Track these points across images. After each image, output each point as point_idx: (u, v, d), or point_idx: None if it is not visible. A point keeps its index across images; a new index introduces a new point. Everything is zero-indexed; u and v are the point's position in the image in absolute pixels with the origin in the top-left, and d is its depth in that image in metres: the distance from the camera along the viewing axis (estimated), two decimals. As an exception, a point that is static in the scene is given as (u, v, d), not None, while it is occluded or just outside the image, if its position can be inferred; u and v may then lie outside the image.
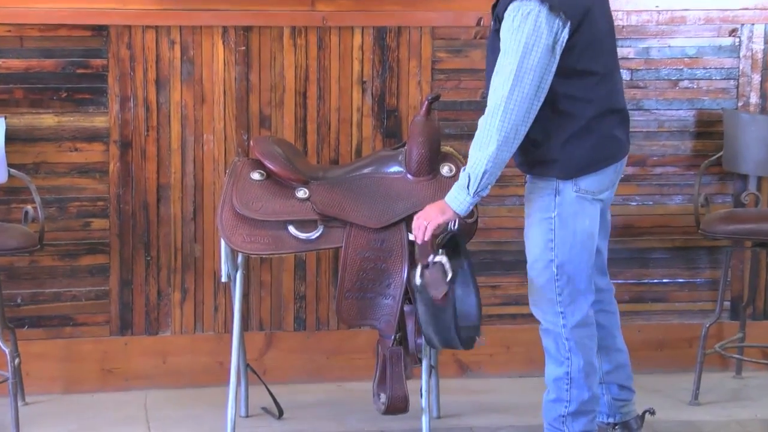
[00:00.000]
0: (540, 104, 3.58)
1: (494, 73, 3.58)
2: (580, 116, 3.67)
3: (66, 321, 4.70)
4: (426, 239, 3.65)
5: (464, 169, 3.62)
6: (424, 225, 3.66)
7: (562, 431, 3.83)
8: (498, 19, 3.61)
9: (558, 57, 3.57)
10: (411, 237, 3.74)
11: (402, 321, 3.88)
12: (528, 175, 3.81)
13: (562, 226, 3.71)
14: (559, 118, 3.66)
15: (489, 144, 3.54)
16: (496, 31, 3.62)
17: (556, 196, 3.70)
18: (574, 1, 3.61)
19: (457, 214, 3.65)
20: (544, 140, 3.67)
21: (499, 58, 3.57)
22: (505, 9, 3.56)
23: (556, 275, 3.73)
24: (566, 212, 3.71)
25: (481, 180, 3.57)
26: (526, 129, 3.58)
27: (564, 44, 3.57)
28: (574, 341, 3.77)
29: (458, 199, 3.63)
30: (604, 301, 3.99)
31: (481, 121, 3.59)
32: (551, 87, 3.58)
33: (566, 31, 3.56)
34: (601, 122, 3.72)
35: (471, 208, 3.65)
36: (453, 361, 4.80)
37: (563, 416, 3.82)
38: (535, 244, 3.76)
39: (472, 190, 3.59)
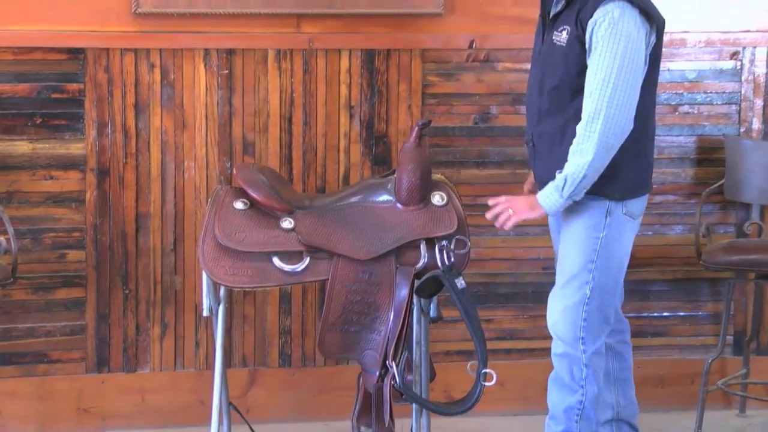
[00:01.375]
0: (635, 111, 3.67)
1: (589, 78, 3.63)
2: (641, 135, 3.73)
3: (40, 358, 4.65)
4: (507, 227, 3.78)
5: (560, 172, 3.67)
6: (509, 213, 3.76)
7: None
8: (580, 26, 3.64)
9: (647, 63, 3.68)
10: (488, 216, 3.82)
11: (386, 355, 3.79)
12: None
13: (606, 247, 3.77)
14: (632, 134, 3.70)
15: (589, 150, 3.60)
16: (578, 39, 3.66)
17: (607, 217, 3.76)
18: (656, 8, 3.73)
19: (545, 212, 3.73)
20: None
21: (592, 63, 3.62)
22: (591, 14, 3.61)
23: (588, 298, 3.76)
24: (613, 235, 3.78)
25: (578, 185, 3.63)
26: (625, 136, 3.65)
27: (650, 50, 3.68)
28: (591, 369, 3.79)
29: (551, 199, 3.69)
30: (624, 331, 4.07)
31: (581, 127, 3.63)
32: None
33: (653, 36, 3.69)
34: (652, 143, 3.86)
35: (561, 209, 3.72)
36: (445, 398, 4.73)
37: None
38: (574, 262, 3.78)
39: (566, 193, 3.65)
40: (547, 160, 3.80)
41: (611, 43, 3.58)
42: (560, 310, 3.80)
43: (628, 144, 3.67)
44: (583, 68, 3.68)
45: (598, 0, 3.61)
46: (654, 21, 3.67)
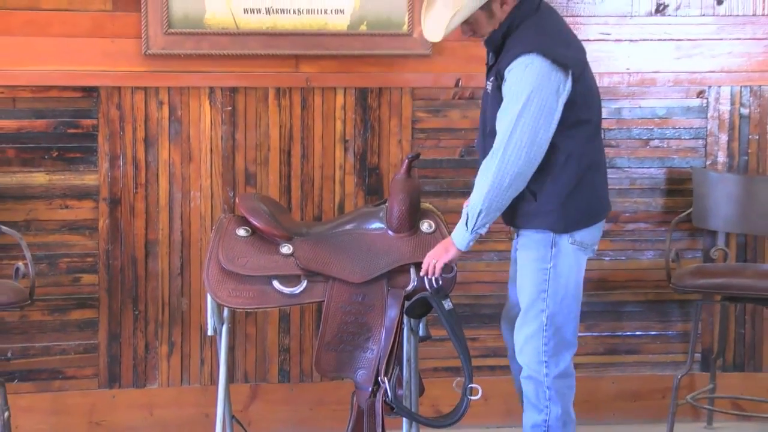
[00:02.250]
0: (541, 155, 3.62)
1: (497, 120, 3.63)
2: (577, 169, 3.70)
3: (55, 374, 4.65)
4: (436, 275, 3.73)
5: (467, 206, 3.68)
6: (433, 263, 3.73)
7: None
8: (500, 77, 3.65)
9: (560, 109, 3.61)
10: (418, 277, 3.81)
11: (378, 372, 3.82)
12: (521, 230, 3.81)
13: (556, 277, 3.72)
14: (556, 171, 3.68)
15: (485, 184, 3.60)
16: (498, 88, 3.66)
17: (552, 248, 3.72)
18: (574, 54, 3.70)
19: (459, 251, 3.71)
20: (540, 193, 3.69)
21: (502, 106, 3.62)
22: (508, 65, 3.61)
23: (545, 325, 3.73)
24: (561, 264, 3.73)
25: (477, 219, 3.64)
26: (525, 178, 3.63)
27: (567, 96, 3.62)
28: (554, 390, 3.76)
29: (459, 236, 3.69)
30: None
31: (483, 163, 3.65)
32: (551, 140, 3.62)
33: (569, 83, 3.62)
34: (595, 176, 3.79)
35: (471, 244, 3.71)
36: (433, 412, 4.73)
37: None
38: (528, 293, 3.76)
39: (470, 227, 3.65)
40: None
41: (516, 91, 3.56)
42: (523, 338, 3.78)
43: (565, 180, 3.66)
44: None
45: (514, 53, 3.60)
46: (569, 68, 3.61)
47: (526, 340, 3.77)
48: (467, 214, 3.66)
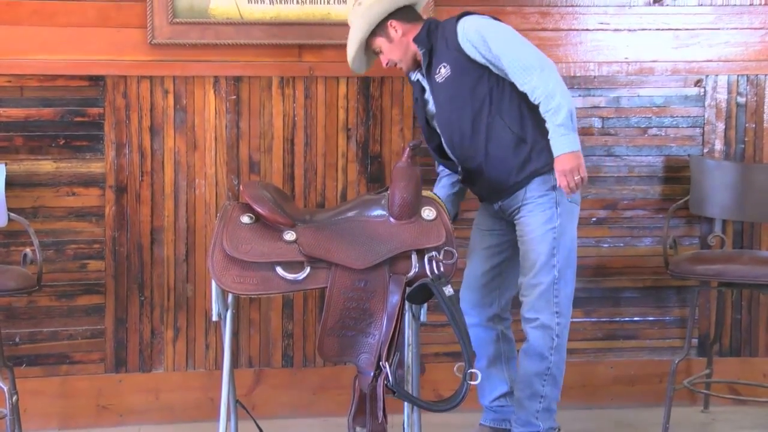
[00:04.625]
0: None
1: (503, 57, 3.87)
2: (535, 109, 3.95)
3: (62, 359, 4.63)
4: (585, 181, 3.92)
5: (553, 126, 3.85)
6: (577, 177, 3.88)
7: (538, 426, 4.01)
8: (456, 50, 3.92)
9: None
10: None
11: (380, 357, 3.78)
12: (524, 199, 3.98)
13: (562, 234, 3.98)
14: (528, 112, 3.95)
15: (557, 89, 3.84)
16: (459, 62, 3.92)
17: (557, 208, 3.96)
18: None
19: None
20: (526, 136, 3.92)
21: (496, 47, 3.87)
22: (455, 38, 3.92)
23: (557, 278, 3.97)
24: (564, 221, 3.98)
25: (573, 118, 3.86)
26: None
27: None
28: (563, 339, 4.02)
29: (571, 141, 3.87)
30: (508, 319, 4.32)
31: (532, 81, 3.85)
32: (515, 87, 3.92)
33: None
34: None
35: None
36: (434, 396, 4.71)
37: (537, 411, 4.02)
38: (540, 252, 3.97)
39: (574, 126, 3.87)
40: (486, 176, 4.00)
41: (489, 32, 3.90)
42: (536, 295, 3.97)
43: (537, 117, 3.91)
44: (476, 77, 3.92)
45: (450, 28, 3.96)
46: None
47: (540, 295, 3.98)
48: (560, 125, 3.82)
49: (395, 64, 4.13)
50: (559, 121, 3.85)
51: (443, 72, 3.99)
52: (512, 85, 3.94)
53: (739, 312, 4.98)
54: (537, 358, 4.01)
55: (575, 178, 3.88)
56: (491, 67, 3.95)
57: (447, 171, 4.29)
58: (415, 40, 4.04)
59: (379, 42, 4.10)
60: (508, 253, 4.18)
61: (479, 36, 3.91)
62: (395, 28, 4.07)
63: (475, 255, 4.23)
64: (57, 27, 4.48)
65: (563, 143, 3.86)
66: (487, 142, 3.97)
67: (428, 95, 4.12)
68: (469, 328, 4.13)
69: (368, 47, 4.16)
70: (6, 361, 4.35)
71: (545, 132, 3.91)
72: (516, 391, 4.11)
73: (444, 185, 4.31)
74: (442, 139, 4.12)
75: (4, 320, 4.49)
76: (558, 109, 3.85)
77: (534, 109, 3.92)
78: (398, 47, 4.08)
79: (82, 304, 4.62)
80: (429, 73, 4.04)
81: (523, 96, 3.92)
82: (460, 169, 4.12)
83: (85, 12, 4.50)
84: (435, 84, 4.03)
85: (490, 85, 3.96)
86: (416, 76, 4.14)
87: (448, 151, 4.13)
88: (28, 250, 4.34)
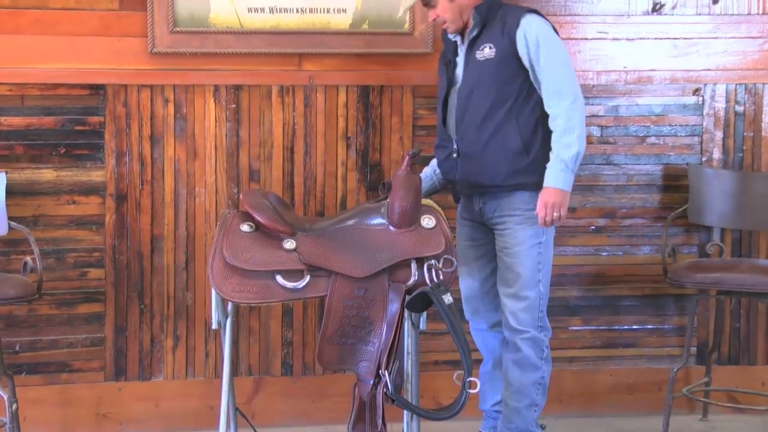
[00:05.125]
0: None
1: (542, 70, 3.89)
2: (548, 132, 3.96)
3: (62, 367, 4.62)
4: (562, 221, 3.94)
5: (556, 157, 3.88)
6: (557, 214, 3.90)
7: None
8: (508, 39, 3.91)
9: None
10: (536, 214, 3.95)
11: (379, 365, 3.77)
12: (510, 210, 3.98)
13: (546, 249, 4.02)
14: (543, 129, 3.94)
15: (575, 126, 3.87)
16: (505, 52, 3.91)
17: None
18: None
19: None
20: (532, 149, 3.94)
21: (541, 58, 3.88)
22: (515, 27, 3.90)
23: (542, 293, 4.01)
24: (549, 237, 4.03)
25: (577, 160, 3.89)
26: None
27: None
28: (548, 351, 4.06)
29: (565, 181, 3.90)
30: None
31: (555, 108, 3.88)
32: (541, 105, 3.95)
33: None
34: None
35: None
36: (433, 404, 4.71)
37: (533, 420, 4.05)
38: (526, 266, 3.99)
39: (572, 168, 3.90)
40: (479, 163, 3.97)
41: (547, 42, 3.90)
42: (523, 308, 3.99)
43: (547, 139, 3.92)
44: (513, 73, 3.91)
45: (515, 16, 3.94)
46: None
47: (527, 309, 4.00)
48: (564, 161, 3.85)
49: (443, 22, 4.04)
50: (565, 157, 3.87)
51: (487, 52, 3.96)
52: (539, 99, 3.95)
53: (738, 320, 4.96)
54: (531, 368, 4.03)
55: (554, 213, 3.90)
56: (530, 72, 3.95)
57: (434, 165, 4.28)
58: (477, 8, 3.99)
59: None
60: (497, 260, 4.16)
61: (536, 40, 3.90)
62: None
63: (469, 268, 4.21)
64: (58, 36, 4.48)
65: (558, 178, 3.88)
66: (492, 135, 3.95)
67: (460, 59, 4.08)
68: (476, 333, 4.17)
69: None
70: (6, 369, 4.33)
71: (547, 155, 3.92)
72: (510, 401, 4.08)
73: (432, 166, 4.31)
74: (454, 110, 4.07)
75: (4, 328, 4.48)
76: (569, 146, 3.87)
77: (548, 130, 3.94)
78: (456, 8, 4.00)
79: (82, 312, 4.61)
80: (472, 46, 4.01)
81: (544, 115, 3.94)
82: (454, 144, 4.07)
83: (86, 21, 4.49)
84: (473, 58, 4.00)
85: (521, 87, 3.96)
86: (456, 37, 4.09)
87: (452, 124, 4.08)
88: (28, 258, 4.33)
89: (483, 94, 3.95)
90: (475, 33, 3.99)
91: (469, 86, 3.99)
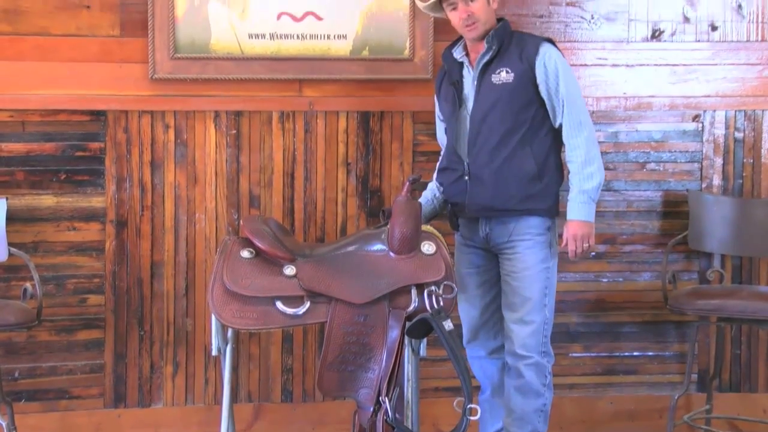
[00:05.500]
0: None
1: (568, 99, 3.92)
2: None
3: (61, 394, 4.60)
4: (592, 252, 4.11)
5: (578, 190, 3.92)
6: (586, 245, 3.96)
7: None
8: (527, 63, 3.93)
9: None
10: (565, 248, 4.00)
11: (379, 392, 3.75)
12: (520, 234, 3.97)
13: (553, 273, 4.03)
14: (557, 157, 4.01)
15: (594, 156, 3.94)
16: (522, 77, 3.92)
17: (550, 248, 3.99)
18: None
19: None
20: (546, 175, 3.95)
21: (560, 86, 3.91)
22: (534, 53, 3.93)
23: (547, 318, 4.00)
24: (554, 263, 4.03)
25: (598, 190, 3.94)
26: None
27: None
28: (551, 377, 4.03)
29: (589, 211, 3.94)
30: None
31: (573, 140, 3.93)
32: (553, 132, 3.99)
33: None
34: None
35: None
36: (434, 431, 4.69)
37: None
38: (533, 290, 3.98)
39: (595, 199, 3.94)
40: (492, 186, 3.95)
41: (564, 71, 3.94)
42: (528, 333, 3.97)
43: (561, 166, 3.99)
44: (529, 100, 3.92)
45: (533, 42, 3.97)
46: None
47: (532, 334, 3.98)
48: (587, 192, 3.90)
49: (473, 23, 3.97)
50: (587, 188, 3.90)
51: (504, 76, 3.96)
52: (550, 126, 3.97)
53: (739, 347, 4.94)
54: (533, 395, 4.00)
55: (584, 245, 3.93)
56: (546, 101, 3.96)
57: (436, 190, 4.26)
58: (496, 32, 3.99)
59: None
60: (499, 286, 4.13)
61: (555, 71, 3.93)
62: (494, 1, 4.04)
63: (470, 296, 4.18)
64: (59, 62, 4.47)
65: (582, 210, 3.91)
66: (507, 159, 3.94)
67: (468, 81, 4.06)
68: (474, 360, 4.14)
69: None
70: (5, 396, 4.32)
71: (559, 181, 3.96)
72: (512, 428, 4.04)
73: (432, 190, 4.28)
74: (464, 132, 4.05)
75: (3, 355, 4.46)
76: (591, 177, 3.91)
77: (557, 156, 3.98)
78: (489, 13, 4.00)
79: (82, 338, 4.59)
80: (485, 69, 4.00)
81: (555, 142, 3.98)
82: (465, 166, 4.04)
83: (87, 47, 4.49)
84: (487, 81, 3.98)
85: (535, 115, 3.96)
86: (462, 57, 4.08)
87: (463, 146, 4.05)
88: (28, 284, 4.33)
89: (498, 118, 3.95)
90: (488, 57, 3.99)
91: (484, 109, 3.98)
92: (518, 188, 3.93)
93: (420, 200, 4.14)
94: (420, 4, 4.13)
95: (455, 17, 4.00)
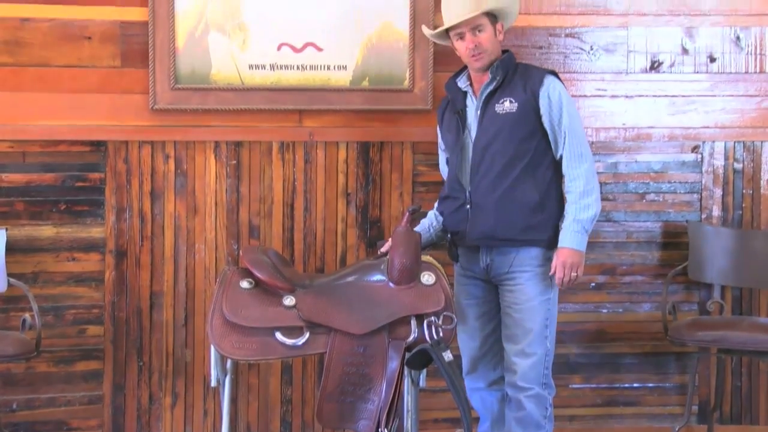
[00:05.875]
0: None
1: (570, 131, 3.93)
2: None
3: (60, 426, 4.57)
4: (578, 280, 3.97)
5: (573, 219, 3.89)
6: (574, 275, 3.92)
7: None
8: (530, 94, 3.94)
9: None
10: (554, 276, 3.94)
11: (379, 423, 3.72)
12: (522, 266, 3.95)
13: (554, 305, 4.01)
14: (558, 189, 3.99)
15: (592, 188, 3.93)
16: (525, 106, 3.93)
17: (551, 279, 3.95)
18: None
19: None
20: (547, 205, 3.94)
21: (563, 118, 3.92)
22: (539, 84, 3.94)
23: (548, 350, 3.98)
24: (555, 294, 4.01)
25: (593, 222, 3.94)
26: None
27: None
28: (552, 409, 3.99)
29: (581, 242, 3.91)
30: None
31: (573, 171, 3.93)
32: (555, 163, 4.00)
33: None
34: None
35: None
36: None
37: None
38: (535, 322, 3.96)
39: (588, 230, 3.93)
40: (494, 215, 3.93)
41: (566, 103, 3.95)
42: (529, 365, 3.94)
43: (561, 199, 3.97)
44: (532, 130, 3.92)
45: (538, 75, 3.98)
46: None
47: (533, 366, 3.95)
48: (581, 222, 3.89)
49: (479, 53, 3.99)
50: (582, 218, 3.89)
51: (507, 106, 3.97)
52: (552, 159, 3.97)
53: (740, 379, 4.91)
54: (534, 427, 3.97)
55: (572, 274, 3.91)
56: (548, 132, 3.96)
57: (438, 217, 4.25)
58: (502, 62, 4.01)
59: (486, 26, 3.99)
60: (498, 317, 4.11)
61: (559, 103, 3.94)
62: (500, 31, 4.05)
63: (469, 328, 4.16)
64: (60, 93, 4.48)
65: (574, 239, 3.89)
66: (509, 188, 3.93)
67: (471, 110, 4.07)
68: (474, 392, 4.11)
69: (457, 29, 4.02)
70: (3, 428, 4.30)
71: (559, 213, 3.95)
72: None
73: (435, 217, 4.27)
74: (467, 161, 4.05)
75: (1, 386, 4.44)
76: (587, 208, 3.90)
77: (559, 188, 3.98)
78: (495, 45, 4.01)
79: (81, 369, 4.57)
80: (489, 99, 4.01)
81: (556, 174, 3.98)
82: (467, 194, 4.04)
83: (87, 78, 4.49)
84: (490, 111, 3.99)
85: (537, 145, 3.96)
86: (466, 86, 4.08)
87: (466, 175, 4.05)
88: (27, 315, 4.32)
89: (501, 148, 3.95)
90: (492, 87, 3.99)
91: (486, 138, 3.98)
92: (520, 218, 3.92)
93: (417, 228, 4.13)
94: (427, 32, 4.13)
95: (462, 46, 4.01)
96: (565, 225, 3.90)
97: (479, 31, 3.98)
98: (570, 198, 3.91)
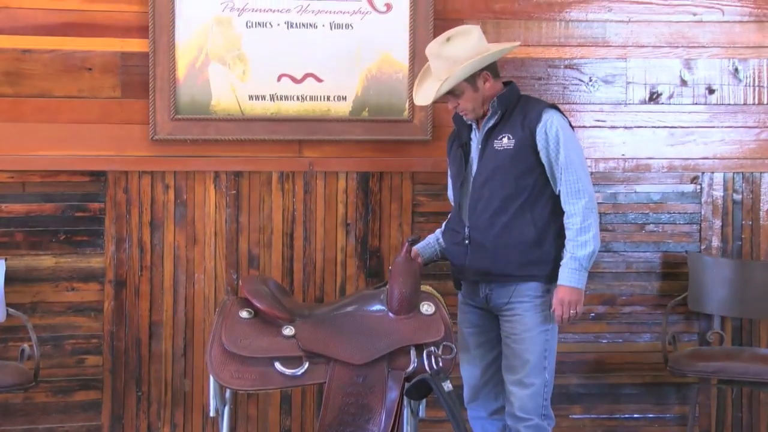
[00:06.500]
0: None
1: (567, 167, 3.87)
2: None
3: None
4: (577, 317, 3.93)
5: (571, 256, 3.85)
6: (573, 312, 3.88)
7: None
8: (527, 131, 3.89)
9: None
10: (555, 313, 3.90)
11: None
12: (520, 297, 3.92)
13: (553, 337, 3.96)
14: (557, 224, 3.91)
15: (591, 225, 3.87)
16: (522, 143, 3.89)
17: (550, 310, 3.91)
18: None
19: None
20: (545, 241, 3.89)
21: (561, 155, 3.87)
22: (537, 121, 3.88)
23: (547, 381, 3.93)
24: (554, 326, 3.96)
25: (592, 259, 3.88)
26: None
27: None
28: None
29: (580, 279, 3.87)
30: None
31: (572, 206, 3.87)
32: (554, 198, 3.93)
33: None
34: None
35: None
36: None
37: None
38: (533, 352, 3.92)
39: (587, 267, 3.88)
40: (491, 253, 3.90)
41: (566, 139, 3.88)
42: (527, 396, 3.90)
43: (561, 234, 3.90)
44: (530, 166, 3.89)
45: (536, 110, 3.91)
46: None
47: (531, 396, 3.92)
48: (578, 259, 3.84)
49: (463, 112, 3.99)
50: (580, 256, 3.85)
51: (505, 142, 3.93)
52: (551, 193, 3.93)
53: (740, 410, 4.88)
54: None
55: (571, 311, 3.88)
56: (546, 168, 3.92)
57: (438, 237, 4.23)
58: (500, 98, 3.96)
59: (464, 88, 3.94)
60: (500, 347, 4.09)
61: (556, 137, 3.88)
62: (485, 80, 3.96)
63: (471, 356, 4.13)
64: (60, 124, 4.48)
65: (573, 277, 3.86)
66: (506, 226, 3.91)
67: (474, 144, 4.05)
68: (475, 421, 4.09)
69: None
70: (1, 458, 4.27)
71: (559, 249, 3.90)
72: None
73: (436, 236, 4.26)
74: (468, 196, 4.04)
75: (-1, 417, 4.42)
76: (585, 245, 3.85)
77: (559, 223, 3.92)
78: (479, 98, 3.97)
79: (79, 399, 4.55)
80: (489, 134, 3.98)
81: (556, 208, 3.91)
82: (466, 230, 4.02)
83: (88, 109, 4.50)
84: (489, 147, 3.97)
85: (536, 180, 3.92)
86: (471, 120, 4.05)
87: (466, 210, 4.03)
88: (25, 345, 4.30)
89: (498, 185, 3.92)
90: (492, 122, 3.97)
91: (485, 175, 3.96)
92: (517, 255, 3.89)
93: (422, 243, 4.13)
94: (417, 102, 4.08)
95: (449, 107, 4.03)
96: (564, 262, 3.87)
97: (456, 95, 3.95)
98: (568, 235, 3.88)
